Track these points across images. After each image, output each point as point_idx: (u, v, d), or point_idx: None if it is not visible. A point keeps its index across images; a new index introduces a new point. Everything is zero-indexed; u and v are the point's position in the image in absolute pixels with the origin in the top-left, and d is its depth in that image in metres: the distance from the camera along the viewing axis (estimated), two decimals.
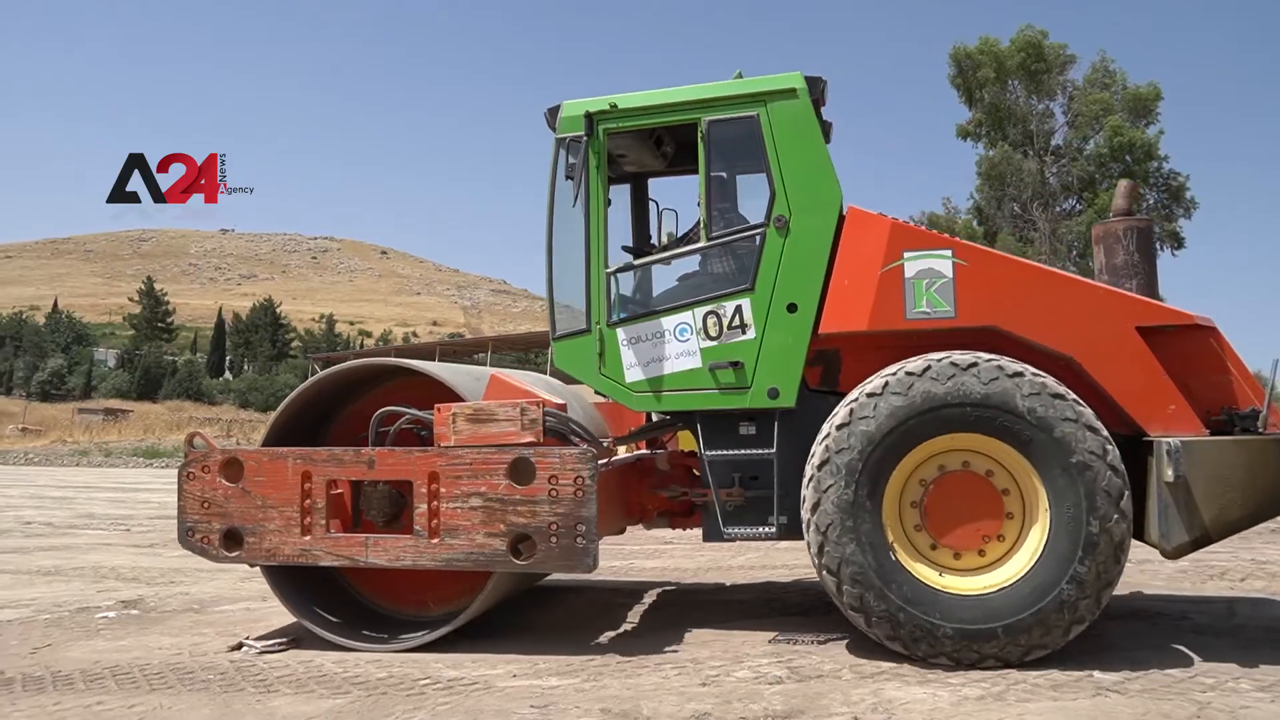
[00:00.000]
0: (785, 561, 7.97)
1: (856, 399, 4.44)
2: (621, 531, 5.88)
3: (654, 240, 6.07)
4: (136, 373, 74.27)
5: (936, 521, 4.46)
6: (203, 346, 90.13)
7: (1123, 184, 5.71)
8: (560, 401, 4.94)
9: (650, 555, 8.29)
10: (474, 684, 4.13)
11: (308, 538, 4.76)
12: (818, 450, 4.46)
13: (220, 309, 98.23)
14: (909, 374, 4.37)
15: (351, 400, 5.43)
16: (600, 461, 4.76)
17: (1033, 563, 4.24)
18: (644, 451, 5.86)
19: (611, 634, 5.07)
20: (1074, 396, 4.29)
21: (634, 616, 5.60)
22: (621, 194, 6.19)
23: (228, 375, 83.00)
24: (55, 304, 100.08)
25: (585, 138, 5.12)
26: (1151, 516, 4.35)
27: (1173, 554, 4.36)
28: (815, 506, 4.39)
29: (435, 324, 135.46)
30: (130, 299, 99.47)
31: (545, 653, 4.66)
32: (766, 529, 4.88)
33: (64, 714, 3.80)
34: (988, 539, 4.41)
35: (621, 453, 5.86)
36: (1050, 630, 4.17)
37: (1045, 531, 4.25)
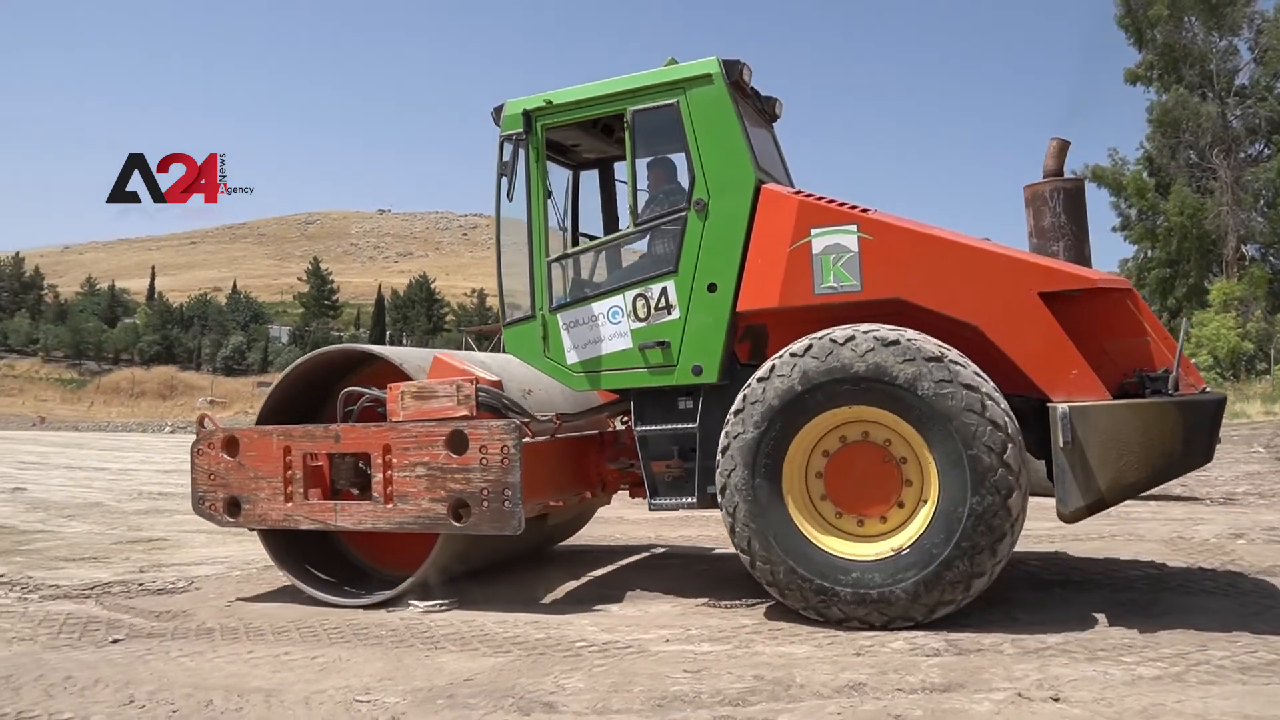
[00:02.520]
0: None
1: (750, 384, 4.64)
2: (583, 499, 5.92)
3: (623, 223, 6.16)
4: (307, 348, 79.29)
5: (839, 491, 4.60)
6: (365, 322, 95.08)
7: (1052, 143, 5.34)
8: (495, 379, 5.27)
9: None
10: (628, 647, 4.22)
11: (290, 504, 5.33)
12: (721, 438, 4.68)
13: (379, 286, 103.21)
14: (793, 355, 4.54)
15: (346, 379, 5.85)
16: (543, 435, 5.19)
17: (928, 522, 4.34)
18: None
19: (764, 601, 5.06)
20: (934, 349, 4.34)
21: None
22: (591, 180, 6.43)
23: None
24: (234, 285, 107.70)
25: (525, 134, 5.35)
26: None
27: (1070, 518, 4.38)
28: (724, 490, 4.64)
29: None
30: (299, 279, 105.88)
31: (697, 618, 4.72)
32: (689, 499, 5.08)
33: (256, 661, 4.14)
34: (888, 505, 4.52)
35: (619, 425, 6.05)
36: (951, 587, 4.26)
37: (936, 492, 4.33)
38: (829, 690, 3.52)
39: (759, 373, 4.64)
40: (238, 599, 5.51)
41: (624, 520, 8.53)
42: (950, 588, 4.26)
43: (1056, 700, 3.34)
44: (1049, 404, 4.39)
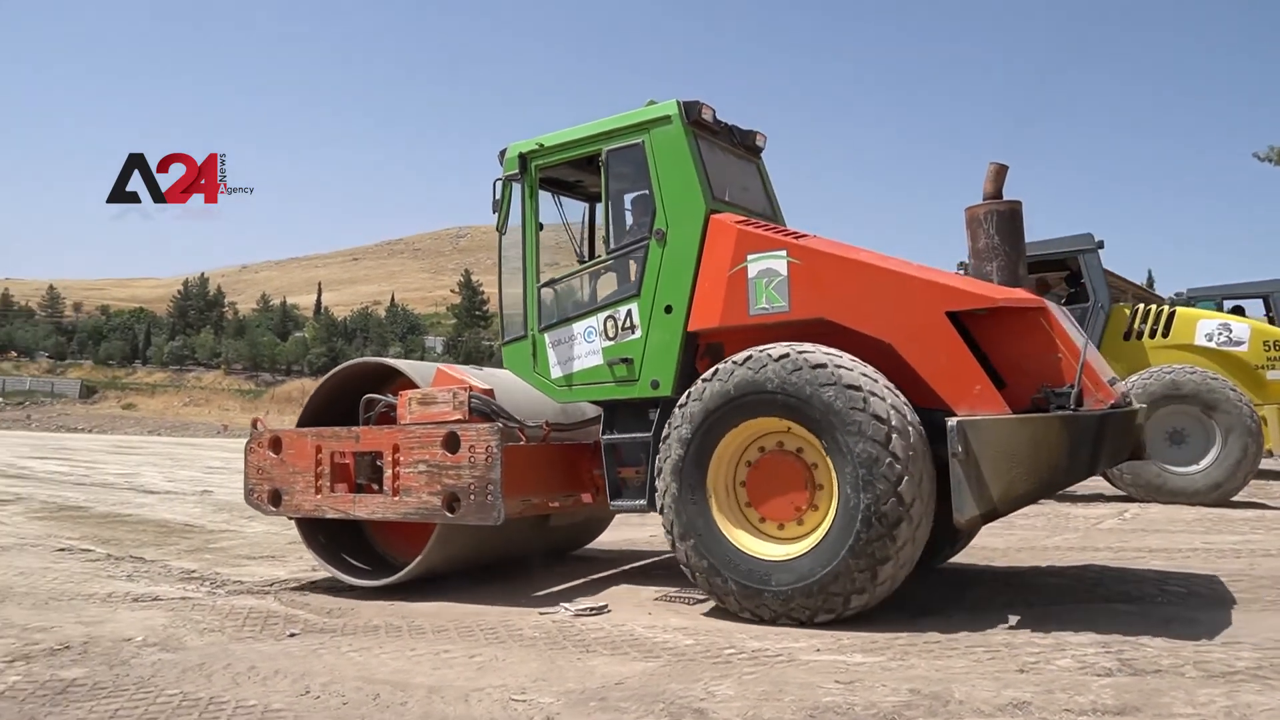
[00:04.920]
0: (1109, 544, 7.31)
1: (696, 384, 5.02)
2: (578, 502, 6.05)
3: None
4: (460, 357, 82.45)
5: (759, 497, 4.94)
6: None
7: (991, 166, 5.46)
8: (487, 387, 5.77)
9: None
10: (778, 656, 4.17)
11: (319, 496, 5.98)
12: (664, 428, 5.11)
13: None
14: (734, 362, 4.92)
15: (382, 387, 6.41)
16: (535, 439, 5.72)
17: (826, 530, 4.62)
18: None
19: (918, 613, 4.90)
20: (856, 376, 4.56)
21: (940, 596, 5.38)
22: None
23: None
24: (392, 298, 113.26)
25: (520, 174, 5.99)
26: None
27: (965, 525, 4.59)
28: (659, 473, 5.08)
29: None
30: (452, 290, 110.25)
31: (849, 628, 4.61)
32: (641, 501, 5.47)
33: (418, 658, 4.32)
34: (801, 510, 4.81)
35: None
36: (831, 596, 4.55)
37: (835, 506, 4.61)
38: (990, 708, 3.37)
39: (704, 375, 5.03)
40: (400, 598, 5.77)
41: None
42: (830, 598, 4.56)
43: None
44: (949, 418, 4.54)
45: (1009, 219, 5.38)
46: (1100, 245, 11.19)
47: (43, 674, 4.05)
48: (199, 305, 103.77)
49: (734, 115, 6.08)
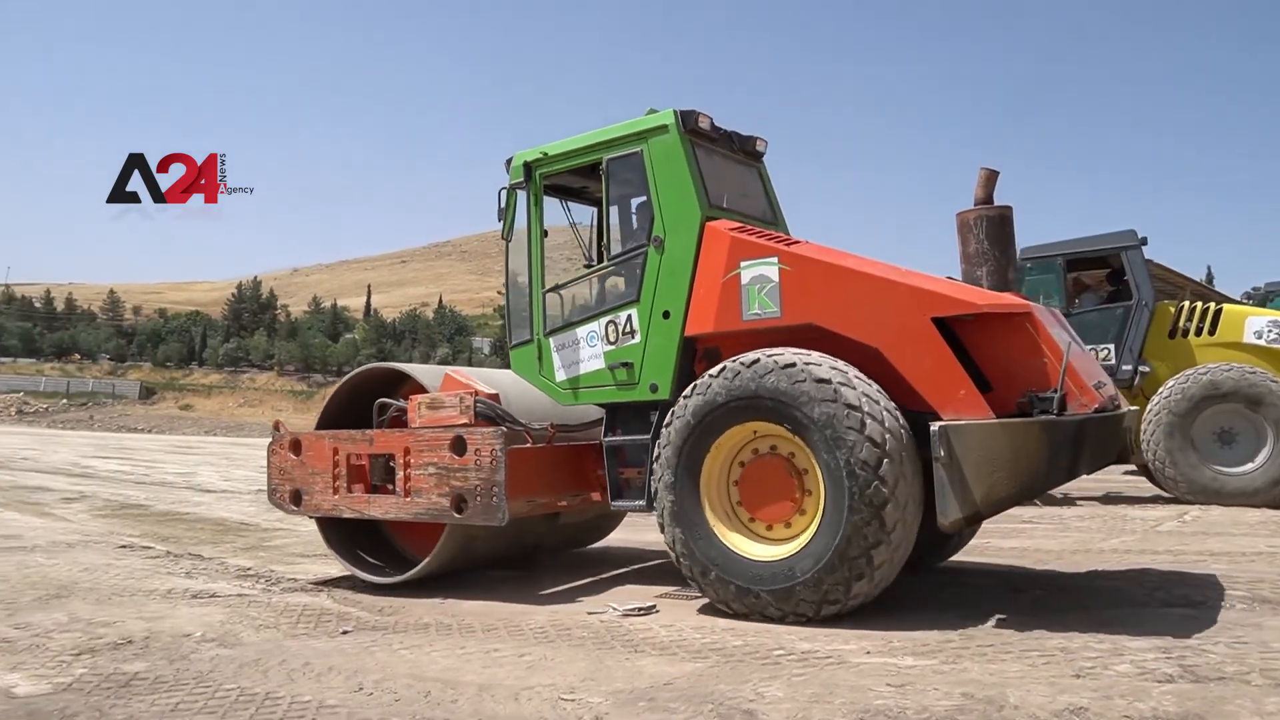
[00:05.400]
0: (1169, 547, 7.13)
1: (681, 398, 5.14)
2: (586, 501, 6.17)
3: None
4: (506, 359, 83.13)
5: (750, 496, 5.04)
6: None
7: (981, 172, 5.47)
8: (492, 391, 5.92)
9: (1006, 535, 7.78)
10: (827, 658, 4.14)
11: (336, 496, 6.18)
12: (655, 445, 5.25)
13: None
14: (684, 397, 5.11)
15: (396, 390, 6.56)
16: (539, 442, 5.82)
17: (823, 504, 4.68)
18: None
19: (971, 615, 4.83)
20: (826, 371, 4.65)
21: (993, 599, 5.29)
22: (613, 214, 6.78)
23: None
24: (440, 300, 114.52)
25: (525, 182, 6.09)
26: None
27: (949, 528, 4.60)
28: (655, 492, 5.20)
29: None
30: (499, 292, 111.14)
31: (899, 630, 4.56)
32: (639, 502, 5.55)
33: (469, 656, 4.37)
34: (798, 500, 4.88)
35: None
36: (853, 561, 4.56)
37: (822, 503, 4.69)
38: (1046, 713, 3.31)
39: (687, 390, 5.13)
40: (450, 597, 5.83)
41: None
42: (854, 564, 4.57)
43: None
44: (931, 422, 4.58)
45: (999, 224, 5.43)
46: (1143, 241, 10.88)
47: (107, 667, 4.17)
48: (252, 308, 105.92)
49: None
